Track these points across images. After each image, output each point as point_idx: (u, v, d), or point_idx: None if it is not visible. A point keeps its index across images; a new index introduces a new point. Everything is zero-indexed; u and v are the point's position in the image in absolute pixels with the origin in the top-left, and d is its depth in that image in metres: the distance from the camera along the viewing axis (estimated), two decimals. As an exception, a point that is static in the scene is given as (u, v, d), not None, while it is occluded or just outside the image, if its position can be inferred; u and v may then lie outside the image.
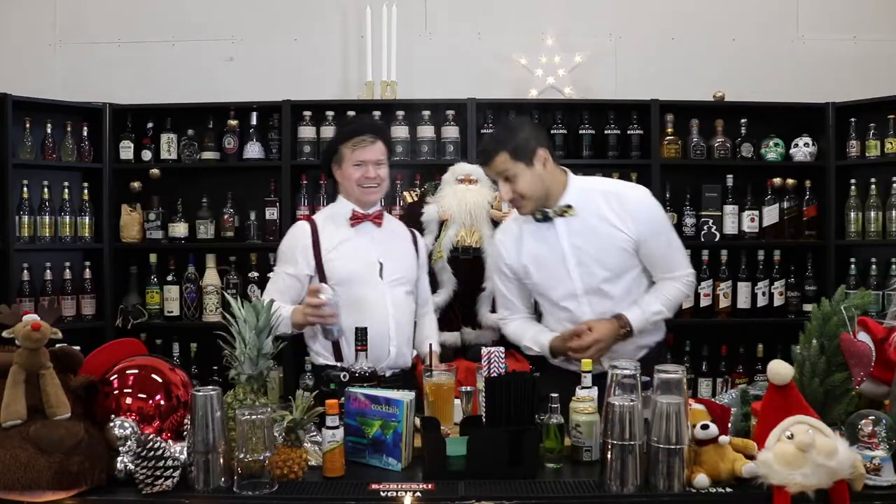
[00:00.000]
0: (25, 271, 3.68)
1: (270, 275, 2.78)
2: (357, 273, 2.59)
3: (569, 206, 2.43)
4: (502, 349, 2.20)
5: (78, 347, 1.98)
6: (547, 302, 2.57)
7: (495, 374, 2.11)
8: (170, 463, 1.72)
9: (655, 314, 2.46)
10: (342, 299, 2.47)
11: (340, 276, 2.57)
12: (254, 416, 1.74)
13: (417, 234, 2.87)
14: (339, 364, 2.52)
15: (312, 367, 2.80)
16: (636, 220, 2.41)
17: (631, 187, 2.57)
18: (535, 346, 2.56)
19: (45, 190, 3.77)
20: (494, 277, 2.68)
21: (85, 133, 3.86)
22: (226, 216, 3.93)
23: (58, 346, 1.87)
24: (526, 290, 2.61)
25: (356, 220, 2.65)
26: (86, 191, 3.86)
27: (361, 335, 2.21)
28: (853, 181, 3.81)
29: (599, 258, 2.43)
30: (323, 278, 2.58)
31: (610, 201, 2.44)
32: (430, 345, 2.46)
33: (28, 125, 3.71)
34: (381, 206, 2.76)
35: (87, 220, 3.85)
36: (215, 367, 3.79)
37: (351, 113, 3.87)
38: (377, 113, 3.88)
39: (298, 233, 2.66)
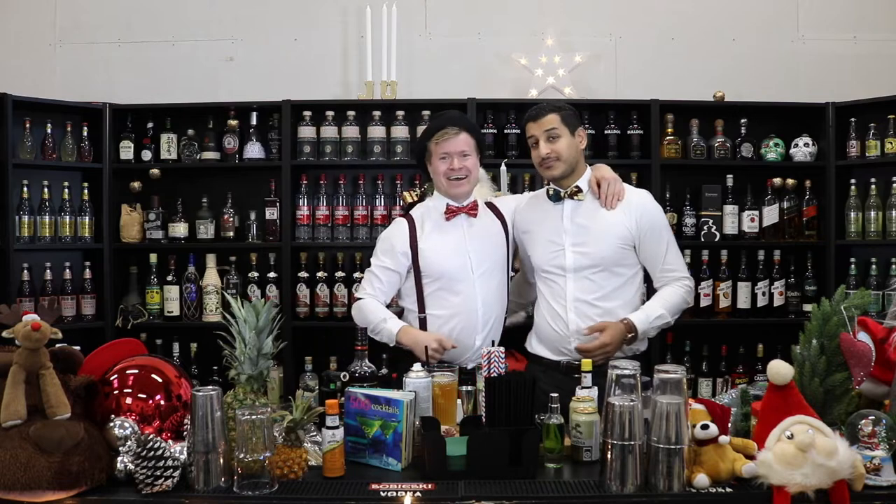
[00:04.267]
0: (25, 271, 3.67)
1: (366, 271, 2.76)
2: (449, 269, 2.63)
3: (579, 189, 2.60)
4: (502, 349, 2.20)
5: (78, 347, 1.98)
6: (539, 276, 2.68)
7: (495, 374, 2.11)
8: (170, 463, 1.72)
9: (658, 318, 2.54)
10: (434, 292, 2.62)
11: (434, 273, 2.63)
12: (254, 416, 1.74)
13: (505, 214, 2.78)
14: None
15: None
16: (639, 215, 2.57)
17: (637, 189, 2.73)
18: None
19: (45, 190, 3.77)
20: None
21: (85, 133, 3.87)
22: (226, 216, 3.93)
23: (58, 346, 1.87)
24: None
25: (451, 213, 2.68)
26: (86, 191, 3.87)
27: (361, 335, 2.21)
28: (853, 181, 3.81)
29: (597, 242, 2.55)
30: (418, 274, 2.64)
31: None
32: (427, 347, 2.46)
33: (28, 125, 3.70)
34: (473, 197, 2.75)
35: (87, 220, 3.85)
36: (215, 367, 3.79)
37: (351, 113, 3.88)
38: (377, 113, 3.88)
39: (397, 228, 2.73)
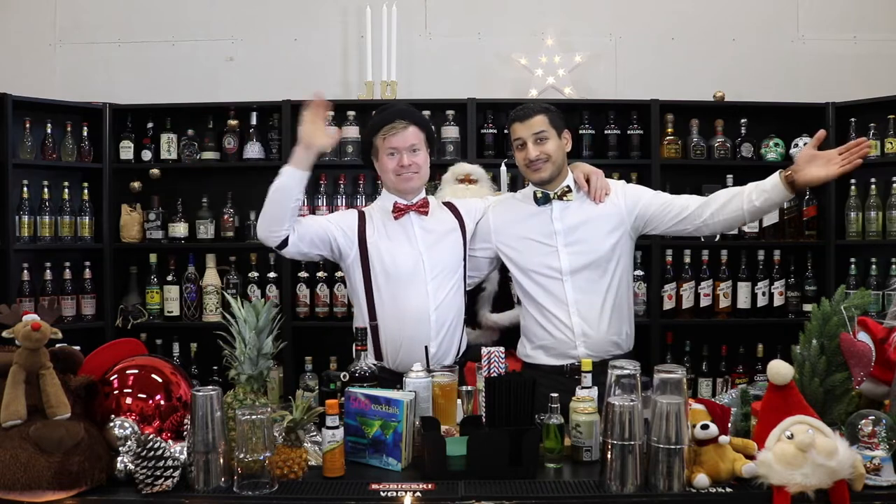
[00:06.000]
0: (25, 271, 3.68)
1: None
2: (397, 274, 2.50)
3: (568, 189, 2.57)
4: (502, 349, 2.19)
5: (78, 347, 1.98)
6: (532, 283, 2.57)
7: (495, 374, 2.11)
8: (170, 463, 1.72)
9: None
10: (383, 297, 2.49)
11: (384, 275, 2.51)
12: (254, 416, 1.74)
13: (464, 214, 2.65)
14: (376, 363, 2.48)
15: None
16: (624, 195, 2.58)
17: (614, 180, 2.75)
18: None
19: (45, 190, 3.77)
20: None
21: (85, 133, 3.87)
22: (226, 216, 3.93)
23: (58, 346, 1.87)
24: None
25: (399, 212, 2.54)
26: (86, 191, 3.87)
27: (361, 335, 2.21)
28: (853, 181, 3.80)
29: (589, 241, 2.53)
30: (367, 271, 2.51)
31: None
32: (427, 347, 2.45)
33: (28, 125, 3.71)
34: (424, 194, 2.61)
35: (87, 220, 3.86)
36: (215, 367, 3.79)
37: (351, 113, 3.88)
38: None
39: (348, 213, 2.63)
